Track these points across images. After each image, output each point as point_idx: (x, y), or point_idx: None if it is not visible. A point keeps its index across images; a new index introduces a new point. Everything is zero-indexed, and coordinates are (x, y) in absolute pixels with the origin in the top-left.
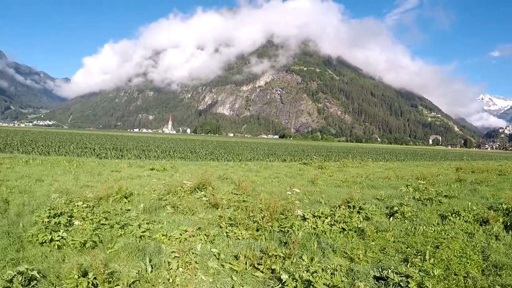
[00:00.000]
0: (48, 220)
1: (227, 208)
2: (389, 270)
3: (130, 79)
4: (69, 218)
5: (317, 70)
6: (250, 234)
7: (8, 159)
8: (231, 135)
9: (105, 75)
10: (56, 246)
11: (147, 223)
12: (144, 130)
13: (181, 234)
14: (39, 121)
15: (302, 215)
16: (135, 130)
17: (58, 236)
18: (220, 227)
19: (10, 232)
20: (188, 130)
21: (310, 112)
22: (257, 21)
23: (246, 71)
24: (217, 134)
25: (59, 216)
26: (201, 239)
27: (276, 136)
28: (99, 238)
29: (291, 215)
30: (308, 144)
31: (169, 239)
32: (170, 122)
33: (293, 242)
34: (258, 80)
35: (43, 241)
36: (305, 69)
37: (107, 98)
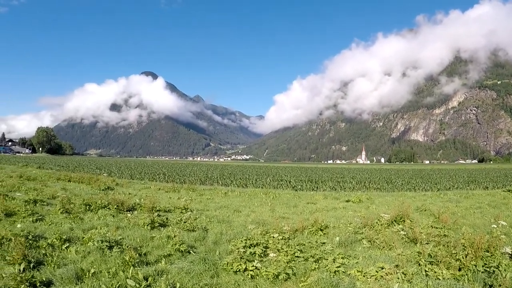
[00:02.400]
0: (243, 250)
1: (426, 243)
2: None
3: (321, 112)
4: (264, 249)
5: None
6: (451, 274)
7: (209, 191)
8: (427, 162)
9: (296, 110)
10: (249, 276)
11: (342, 258)
12: (338, 161)
13: (377, 271)
14: (236, 156)
15: (509, 252)
16: (329, 161)
17: (252, 266)
18: (419, 264)
19: (207, 258)
20: (382, 160)
21: (510, 130)
22: (440, 37)
23: (437, 93)
24: (412, 162)
25: (254, 246)
26: (398, 278)
27: (475, 161)
28: (292, 271)
29: (497, 252)
30: (511, 168)
31: (364, 276)
32: (363, 152)
33: (500, 285)
34: (450, 101)
35: (237, 270)
36: (499, 82)
37: (300, 132)
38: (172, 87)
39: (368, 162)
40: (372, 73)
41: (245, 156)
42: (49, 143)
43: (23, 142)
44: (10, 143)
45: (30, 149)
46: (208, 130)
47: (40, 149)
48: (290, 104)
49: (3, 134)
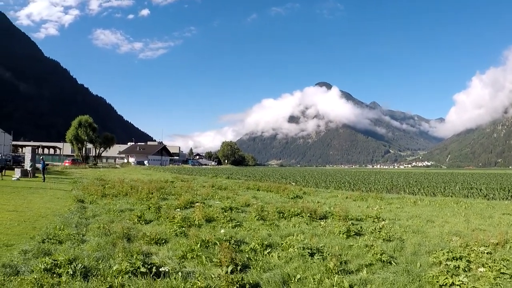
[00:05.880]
0: (447, 262)
1: None
2: None
3: (506, 110)
4: (467, 263)
5: None
6: None
7: (397, 199)
8: None
9: (478, 109)
10: None
11: None
12: None
13: None
14: (417, 162)
15: None
16: None
17: (459, 280)
18: None
19: (410, 270)
20: None
21: None
22: None
23: None
24: None
25: (457, 259)
26: None
27: None
28: None
29: None
30: None
31: None
32: None
33: None
34: None
35: (443, 283)
36: None
37: (484, 134)
38: (347, 96)
39: None
40: None
41: (426, 162)
42: (233, 155)
43: (209, 156)
44: (197, 157)
45: (215, 162)
46: (387, 137)
47: (226, 161)
48: (471, 103)
49: (191, 149)
